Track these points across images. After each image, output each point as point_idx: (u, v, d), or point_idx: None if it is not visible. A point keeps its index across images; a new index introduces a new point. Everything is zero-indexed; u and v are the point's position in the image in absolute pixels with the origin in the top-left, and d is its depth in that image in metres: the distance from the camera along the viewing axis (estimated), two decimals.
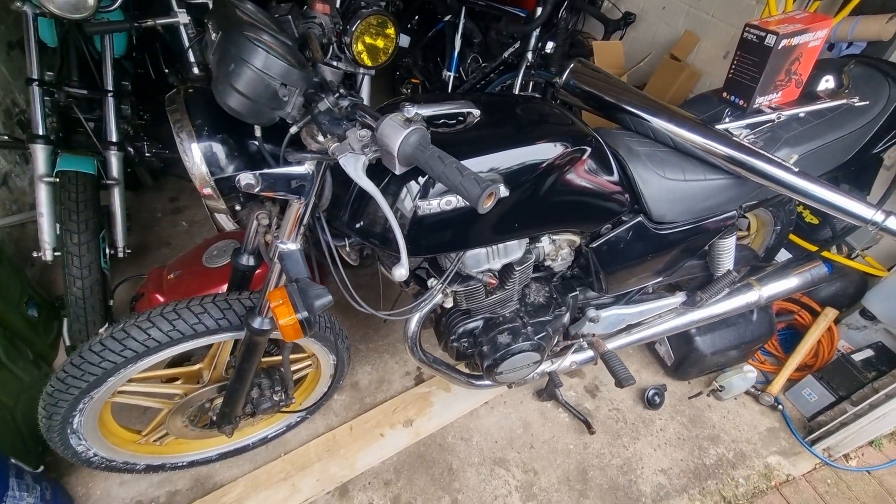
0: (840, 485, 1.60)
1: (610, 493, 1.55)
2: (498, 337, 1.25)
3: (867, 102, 1.21)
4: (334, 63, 1.78)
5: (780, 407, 1.77)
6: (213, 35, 0.70)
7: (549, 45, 2.04)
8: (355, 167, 0.72)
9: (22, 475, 1.24)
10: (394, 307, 1.17)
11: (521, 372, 1.31)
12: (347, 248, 1.10)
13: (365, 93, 2.02)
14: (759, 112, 1.23)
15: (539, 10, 1.95)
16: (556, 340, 1.38)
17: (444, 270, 1.11)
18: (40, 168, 1.59)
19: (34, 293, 1.74)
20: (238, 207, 0.86)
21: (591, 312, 1.41)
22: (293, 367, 1.44)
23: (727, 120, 1.23)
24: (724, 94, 1.29)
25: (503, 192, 0.93)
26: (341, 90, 0.77)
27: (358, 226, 0.98)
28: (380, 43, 1.72)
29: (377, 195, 0.73)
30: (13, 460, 1.25)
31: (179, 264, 1.78)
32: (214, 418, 1.29)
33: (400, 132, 0.67)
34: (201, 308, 1.08)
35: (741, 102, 1.25)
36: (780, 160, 1.09)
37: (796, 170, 1.07)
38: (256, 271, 1.25)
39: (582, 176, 1.06)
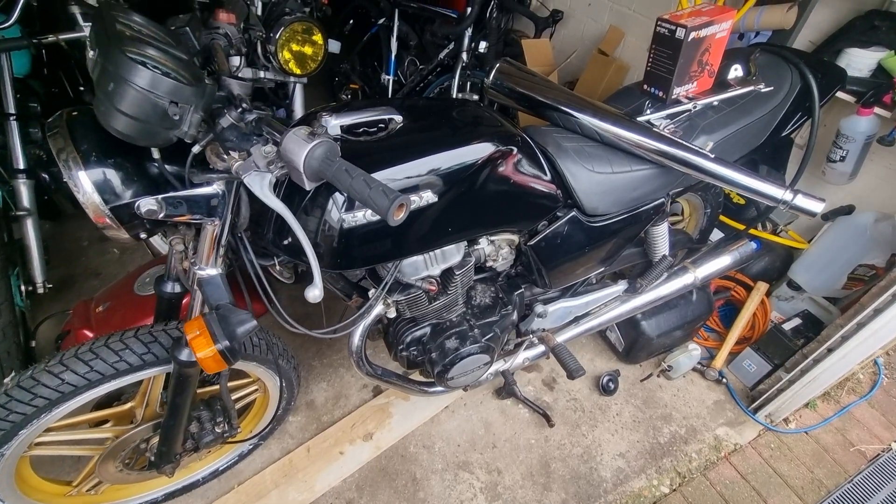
0: (782, 448, 1.70)
1: (572, 483, 1.57)
2: (446, 342, 1.24)
3: (772, 88, 1.28)
4: (262, 74, 1.72)
5: (724, 380, 1.85)
6: (91, 52, 0.65)
7: (483, 45, 2.05)
8: (261, 186, 0.68)
9: None
10: (340, 321, 1.14)
11: (473, 375, 1.30)
12: (278, 267, 1.05)
13: (298, 101, 1.96)
14: (678, 102, 1.28)
15: (468, 10, 1.96)
16: (505, 339, 1.39)
17: (382, 280, 1.08)
18: None
19: None
20: (143, 235, 0.80)
21: (539, 308, 1.43)
22: (238, 394, 1.37)
23: (648, 111, 1.27)
24: (645, 87, 1.34)
25: (431, 197, 0.92)
26: (244, 104, 0.73)
27: (284, 243, 0.94)
28: (308, 50, 1.67)
29: (286, 213, 0.70)
30: None
31: (108, 295, 1.67)
32: (152, 459, 1.21)
33: (304, 146, 0.64)
34: (122, 344, 1.01)
35: (660, 94, 1.30)
36: (697, 148, 1.13)
37: (712, 156, 1.12)
38: (185, 299, 1.18)
39: (512, 175, 1.06)
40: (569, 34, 2.38)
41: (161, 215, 0.75)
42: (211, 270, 0.86)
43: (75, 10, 1.60)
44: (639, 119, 1.22)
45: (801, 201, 1.07)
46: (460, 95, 2.20)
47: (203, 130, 0.73)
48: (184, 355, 0.96)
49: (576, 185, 1.17)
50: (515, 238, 1.23)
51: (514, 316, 1.37)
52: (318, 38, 1.64)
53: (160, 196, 0.74)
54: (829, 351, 1.51)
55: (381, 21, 2.37)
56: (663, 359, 1.85)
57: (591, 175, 1.18)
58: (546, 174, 1.13)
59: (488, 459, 1.62)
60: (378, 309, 1.14)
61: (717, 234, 1.94)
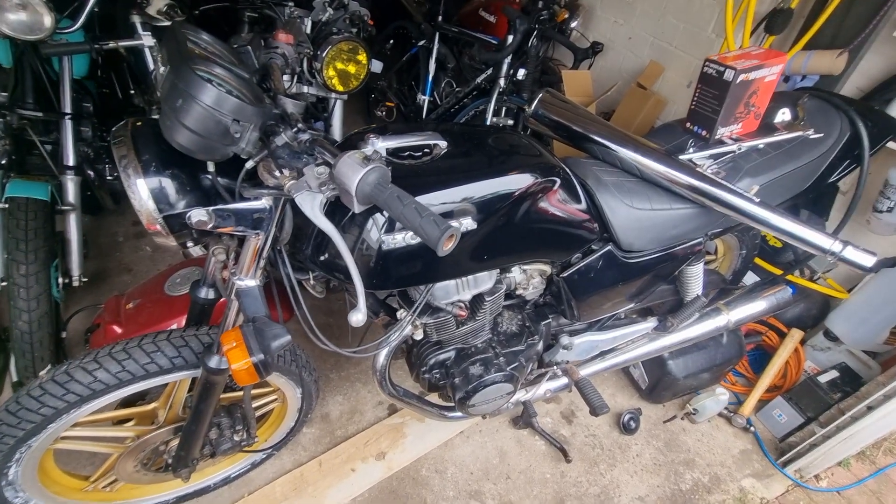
0: None
1: None
2: (470, 368, 1.22)
3: (822, 135, 1.25)
4: (305, 89, 1.76)
5: (752, 429, 1.78)
6: (162, 69, 0.67)
7: (521, 72, 2.07)
8: (312, 206, 0.69)
9: None
10: (363, 338, 1.13)
11: (495, 403, 1.28)
12: (312, 282, 1.06)
13: (337, 117, 2.01)
14: (721, 143, 1.27)
15: (510, 38, 1.99)
16: (529, 369, 1.36)
17: (413, 302, 1.08)
18: None
19: None
20: (191, 244, 0.81)
21: (565, 339, 1.40)
22: (257, 403, 1.37)
23: (691, 150, 1.25)
24: (688, 125, 1.32)
25: (470, 224, 0.92)
26: (300, 124, 0.74)
27: (322, 259, 0.94)
28: (351, 68, 1.72)
29: (335, 236, 0.70)
30: None
31: (139, 293, 1.70)
32: (170, 461, 1.21)
33: (358, 171, 0.65)
34: (154, 346, 1.02)
35: (703, 133, 1.28)
36: (742, 191, 1.11)
37: (757, 200, 1.10)
38: (217, 305, 1.19)
39: (551, 207, 1.05)
40: (607, 66, 2.39)
41: (210, 226, 0.76)
42: (250, 282, 0.87)
43: (136, 19, 1.68)
44: (681, 157, 1.20)
45: (851, 254, 1.03)
46: (495, 120, 2.22)
47: (258, 148, 0.75)
48: (213, 362, 0.97)
49: (613, 219, 1.16)
50: (548, 268, 1.22)
51: (540, 346, 1.35)
52: (362, 57, 1.68)
53: (211, 208, 0.76)
54: (869, 409, 1.44)
55: (421, 43, 2.42)
56: (688, 401, 1.79)
57: (630, 211, 1.17)
58: (584, 207, 1.12)
59: (501, 491, 1.58)
60: (406, 330, 1.13)
61: (749, 277, 1.88)
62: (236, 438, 1.22)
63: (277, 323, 0.82)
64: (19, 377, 1.57)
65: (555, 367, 1.44)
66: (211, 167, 0.76)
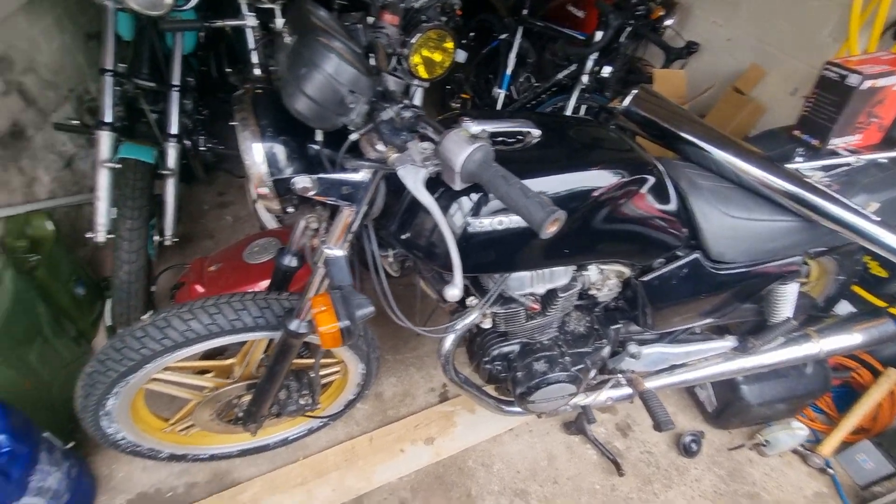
0: None
1: None
2: (534, 364, 1.20)
3: None
4: (398, 74, 1.80)
5: (830, 471, 1.62)
6: (288, 38, 0.71)
7: (607, 70, 2.00)
8: (415, 180, 0.70)
9: (52, 450, 1.27)
10: (427, 322, 1.15)
11: (555, 403, 1.25)
12: (391, 259, 1.08)
13: (416, 104, 2.03)
14: (835, 154, 1.16)
15: (599, 34, 1.93)
16: (593, 373, 1.32)
17: (485, 290, 1.08)
18: (104, 154, 1.66)
19: (83, 272, 1.81)
20: (290, 209, 0.86)
21: (633, 348, 1.34)
22: (322, 373, 1.43)
23: (798, 160, 1.16)
24: (796, 133, 1.23)
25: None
26: (406, 101, 0.76)
27: (404, 237, 0.96)
28: (437, 57, 1.72)
29: (435, 210, 0.71)
30: (45, 434, 1.28)
31: (221, 257, 1.82)
32: (240, 415, 1.29)
33: (465, 148, 0.65)
34: (241, 305, 1.09)
35: (815, 142, 1.18)
36: (859, 208, 1.01)
37: (877, 219, 0.99)
38: (297, 272, 1.25)
39: (639, 206, 1.01)
40: (700, 68, 2.25)
41: (312, 193, 0.80)
42: (338, 252, 0.90)
43: (241, 0, 1.79)
44: (786, 166, 1.11)
45: None
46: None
47: (364, 121, 0.77)
48: (293, 326, 1.02)
49: (705, 226, 1.09)
50: (626, 271, 1.17)
51: (607, 351, 1.30)
52: (449, 45, 1.68)
53: (315, 176, 0.79)
54: None
55: (503, 36, 2.40)
56: (759, 431, 1.67)
57: (725, 218, 1.09)
58: (674, 210, 1.06)
59: (547, 494, 1.55)
60: (475, 317, 1.13)
61: (841, 306, 1.71)
62: (301, 402, 1.27)
63: (361, 294, 0.85)
64: (113, 322, 1.74)
65: (619, 375, 1.39)
66: (319, 136, 0.79)
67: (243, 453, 1.50)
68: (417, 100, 2.02)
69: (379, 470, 1.54)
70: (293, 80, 0.68)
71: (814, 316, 1.56)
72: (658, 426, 1.28)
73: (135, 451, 1.29)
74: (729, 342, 1.40)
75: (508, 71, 2.46)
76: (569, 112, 2.08)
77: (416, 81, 1.91)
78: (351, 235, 0.90)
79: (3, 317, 1.32)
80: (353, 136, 0.78)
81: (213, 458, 1.47)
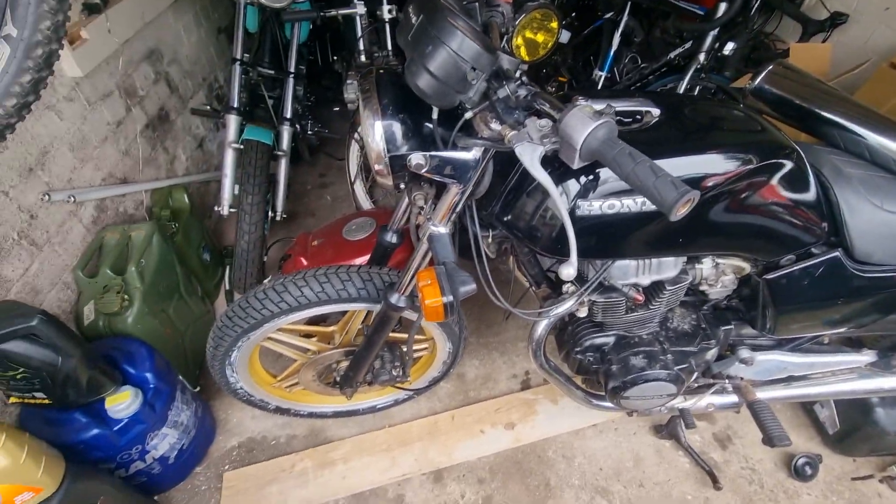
0: None
1: None
2: (631, 358, 1.14)
3: None
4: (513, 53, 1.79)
5: None
6: (414, 18, 0.73)
7: (729, 47, 1.80)
8: (532, 157, 0.70)
9: (185, 391, 1.47)
10: (516, 307, 1.14)
11: (651, 402, 1.19)
12: (490, 240, 1.09)
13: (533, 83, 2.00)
14: None
15: (722, 7, 1.74)
16: (695, 376, 1.23)
17: (585, 277, 1.04)
18: (231, 135, 1.85)
19: (209, 241, 2.06)
20: (402, 185, 0.89)
21: (745, 353, 1.22)
22: (413, 348, 1.49)
23: None
24: None
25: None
26: (523, 79, 0.75)
27: (507, 218, 0.96)
28: (539, 38, 1.68)
29: (551, 187, 0.70)
30: (179, 377, 1.49)
31: (322, 233, 1.96)
32: (338, 379, 1.39)
33: (588, 124, 0.62)
34: (347, 276, 1.17)
35: None
36: None
37: None
38: (396, 249, 1.31)
39: (772, 194, 0.91)
40: (846, 42, 1.94)
41: (424, 170, 0.83)
42: (443, 229, 0.92)
43: None
44: None
45: None
46: None
47: (480, 99, 0.78)
48: (394, 299, 1.07)
49: (851, 220, 0.95)
50: (746, 266, 1.06)
51: (713, 353, 1.20)
52: (554, 25, 1.63)
53: (428, 153, 0.82)
54: None
55: (608, 15, 2.27)
56: (894, 462, 1.44)
57: (877, 212, 0.95)
58: (813, 200, 0.94)
59: (632, 496, 1.48)
60: (571, 305, 1.10)
61: None
62: (393, 373, 1.34)
63: (464, 272, 0.86)
64: (231, 287, 1.96)
65: (725, 381, 1.27)
66: (434, 114, 0.81)
67: (336, 415, 1.62)
68: None
69: (459, 447, 1.58)
70: (418, 57, 0.70)
71: None
72: (770, 441, 1.16)
73: (249, 400, 1.45)
74: (865, 357, 1.22)
75: (612, 51, 2.32)
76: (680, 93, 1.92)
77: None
78: (455, 214, 0.92)
79: (152, 274, 1.54)
80: (469, 114, 0.79)
81: (311, 415, 1.61)
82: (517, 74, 0.76)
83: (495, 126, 0.78)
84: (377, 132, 0.80)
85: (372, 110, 0.80)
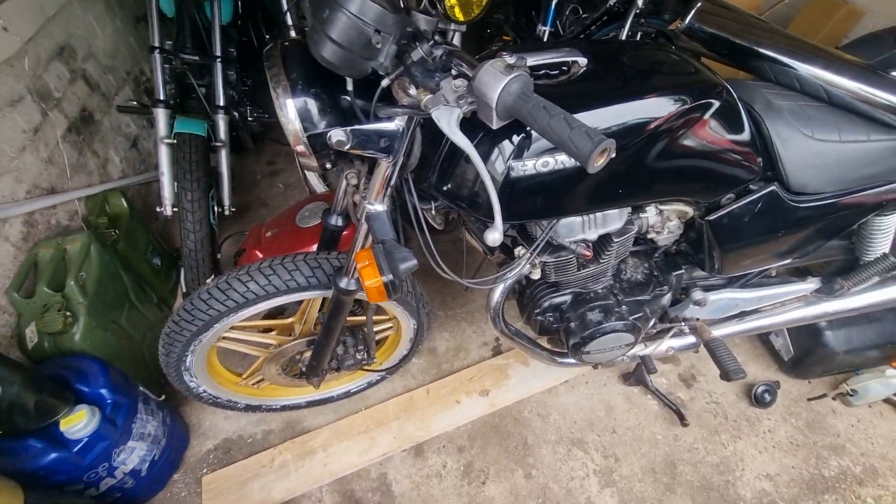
0: None
1: (701, 492, 1.42)
2: (588, 314, 1.15)
3: None
4: (432, 11, 1.72)
5: None
6: None
7: None
8: (449, 121, 0.66)
9: (148, 401, 1.43)
10: (475, 276, 1.13)
11: (611, 353, 1.21)
12: (433, 212, 1.06)
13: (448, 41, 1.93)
14: None
15: None
16: (652, 322, 1.25)
17: (533, 239, 1.03)
18: (161, 130, 1.74)
19: (157, 244, 1.96)
20: (329, 165, 0.85)
21: (698, 294, 1.25)
22: (375, 329, 1.47)
23: None
24: None
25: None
26: (436, 38, 0.71)
27: (446, 188, 0.93)
28: None
29: (471, 151, 0.67)
30: (141, 388, 1.44)
31: (275, 223, 1.90)
32: (303, 370, 1.37)
33: (500, 79, 0.59)
34: (294, 265, 1.13)
35: None
36: None
37: None
38: (344, 232, 1.27)
39: (705, 135, 0.90)
40: None
41: (347, 147, 0.78)
42: (379, 206, 0.89)
43: None
44: (893, 74, 0.94)
45: None
46: None
47: (394, 64, 0.73)
48: (343, 283, 1.04)
49: (784, 153, 0.96)
50: (689, 210, 1.07)
51: (667, 298, 1.22)
52: None
53: (349, 128, 0.77)
54: None
55: None
56: (845, 380, 1.53)
57: (809, 142, 0.96)
58: (747, 137, 0.94)
59: (606, 443, 1.53)
60: (523, 267, 1.09)
61: None
62: (358, 357, 1.32)
63: (405, 247, 0.84)
64: (188, 289, 1.88)
65: (682, 324, 1.31)
66: (349, 86, 0.77)
67: (311, 404, 1.61)
68: (456, 44, 1.92)
69: (436, 420, 1.60)
70: (317, 25, 0.65)
71: None
72: (726, 375, 1.21)
73: (215, 402, 1.41)
74: (811, 284, 1.26)
75: (553, 4, 2.25)
76: None
77: (452, 25, 1.82)
78: (391, 189, 0.89)
79: (94, 286, 1.46)
80: (385, 82, 0.74)
81: (284, 408, 1.59)
82: (432, 34, 0.72)
83: (414, 92, 0.74)
84: (290, 111, 0.75)
85: (281, 88, 0.75)
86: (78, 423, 1.20)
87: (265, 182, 2.48)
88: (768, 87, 1.01)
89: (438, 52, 0.71)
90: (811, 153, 0.96)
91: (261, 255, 1.80)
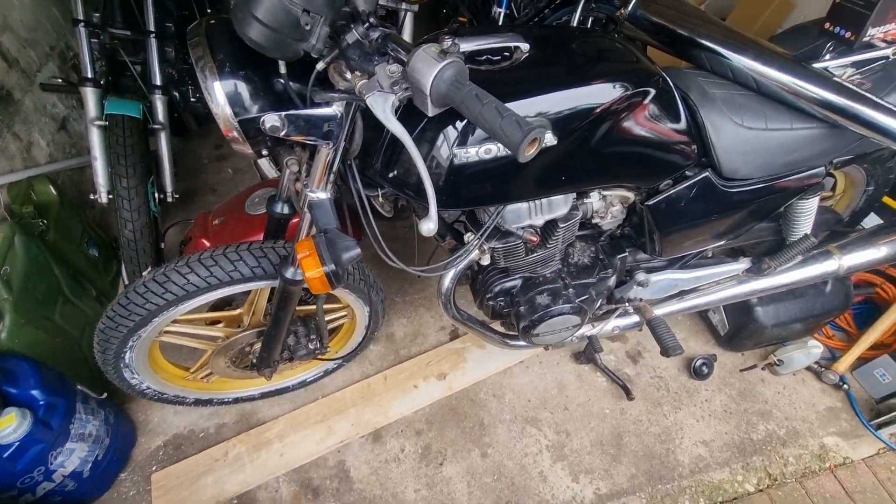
0: None
1: (645, 460, 1.51)
2: (536, 297, 1.18)
3: None
4: None
5: (845, 386, 1.62)
6: None
7: None
8: (384, 108, 0.65)
9: (87, 400, 1.35)
10: (429, 262, 1.13)
11: (560, 335, 1.25)
12: (381, 199, 1.05)
13: (407, 32, 1.89)
14: (870, 47, 1.03)
15: None
16: (598, 303, 1.30)
17: (481, 224, 1.04)
18: (91, 111, 1.62)
19: (94, 234, 1.84)
20: (265, 152, 0.81)
21: (641, 276, 1.31)
22: (329, 317, 1.45)
23: (828, 57, 1.03)
24: (827, 26, 1.08)
25: (550, 139, 0.83)
26: (371, 20, 0.68)
27: (391, 175, 0.92)
28: None
29: (406, 139, 0.66)
30: (79, 386, 1.36)
31: (223, 210, 1.82)
32: (254, 361, 1.34)
33: (433, 66, 0.58)
34: (237, 255, 1.09)
35: (848, 35, 1.05)
36: (894, 107, 0.90)
37: None
38: (292, 220, 1.23)
39: (643, 123, 0.93)
40: None
41: (282, 133, 0.75)
42: (321, 194, 0.87)
43: None
44: (814, 65, 0.99)
45: None
46: None
47: (329, 47, 0.70)
48: (289, 273, 1.02)
49: (717, 140, 1.00)
50: (631, 196, 1.11)
51: (612, 280, 1.27)
52: None
53: (283, 113, 0.74)
54: None
55: None
56: (773, 351, 1.65)
57: (739, 130, 1.00)
58: (683, 125, 0.97)
59: (558, 420, 1.60)
60: (472, 254, 1.10)
61: (871, 219, 1.62)
62: (311, 346, 1.30)
63: (348, 236, 0.82)
64: (130, 281, 1.78)
65: (626, 304, 1.36)
66: (282, 68, 0.73)
67: (265, 395, 1.58)
68: (408, 26, 1.89)
69: (394, 405, 1.61)
70: (241, 3, 0.61)
71: (838, 232, 1.49)
72: (665, 352, 1.28)
73: (161, 398, 1.36)
74: (742, 264, 1.34)
75: None
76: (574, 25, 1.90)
77: (402, 5, 1.78)
78: (333, 176, 0.86)
79: (21, 280, 1.36)
80: (320, 66, 0.72)
81: (237, 401, 1.55)
82: (374, 16, 0.69)
83: (350, 76, 0.71)
84: (218, 95, 0.71)
85: (208, 70, 0.71)
86: (7, 426, 1.13)
87: (212, 167, 2.36)
88: (704, 75, 1.05)
89: (375, 35, 0.69)
90: (741, 140, 1.00)
91: (208, 244, 1.72)
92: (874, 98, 0.91)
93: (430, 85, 0.59)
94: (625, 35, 1.20)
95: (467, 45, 0.83)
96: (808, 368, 1.66)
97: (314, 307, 1.31)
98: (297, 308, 1.31)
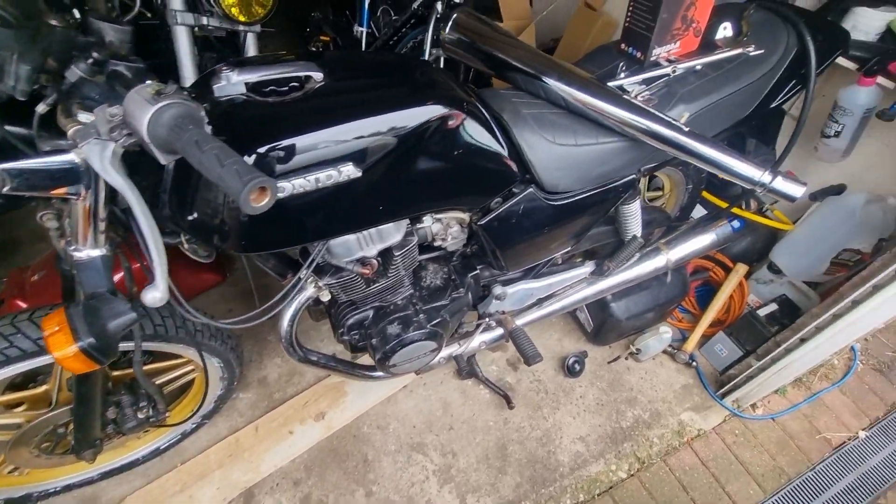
0: (746, 434, 1.66)
1: (528, 467, 1.53)
2: (387, 328, 1.14)
3: (763, 51, 1.13)
4: (205, 21, 1.53)
5: (694, 364, 1.79)
6: None
7: None
8: (101, 158, 0.55)
9: None
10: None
11: (419, 361, 1.22)
12: (186, 245, 0.93)
13: (251, 54, 1.77)
14: (657, 65, 1.13)
15: None
16: (457, 324, 1.30)
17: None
18: None
19: None
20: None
21: (497, 289, 1.33)
22: (171, 375, 1.29)
23: (622, 75, 1.12)
24: (623, 46, 1.18)
25: (352, 172, 0.79)
26: (96, 54, 0.59)
27: (189, 219, 0.81)
28: None
29: (128, 194, 0.57)
30: None
31: (44, 264, 1.57)
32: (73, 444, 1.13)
33: (147, 109, 0.51)
34: (13, 328, 0.90)
35: (638, 55, 1.15)
36: (670, 119, 1.00)
37: (686, 129, 0.99)
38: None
39: (455, 147, 0.93)
40: None
41: (6, 189, 0.62)
42: (91, 251, 0.74)
43: None
44: (610, 84, 1.07)
45: (781, 184, 0.95)
46: (434, 52, 2.00)
47: (51, 86, 0.60)
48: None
49: (533, 158, 1.04)
50: (465, 216, 1.11)
51: (467, 299, 1.27)
52: None
53: (3, 165, 0.61)
54: (802, 341, 1.44)
55: None
56: (633, 341, 1.78)
57: (552, 147, 1.05)
58: (500, 145, 0.99)
59: (444, 441, 1.57)
60: (308, 292, 1.03)
61: (699, 211, 1.82)
62: (141, 416, 1.13)
63: (120, 298, 0.71)
64: None
65: (488, 319, 1.38)
66: None
67: (106, 475, 1.36)
68: (251, 47, 1.76)
69: (267, 458, 1.47)
70: None
71: (672, 227, 1.64)
72: (527, 361, 1.30)
73: None
74: (587, 268, 1.42)
75: (366, 4, 2.21)
76: (427, 45, 1.92)
77: (240, 27, 1.66)
78: (102, 226, 0.74)
79: None
80: (40, 108, 0.60)
81: (69, 488, 1.32)
82: (92, 49, 0.60)
83: (84, 118, 0.61)
84: None
85: None
86: None
87: (22, 216, 2.02)
88: (519, 95, 1.09)
89: (108, 70, 0.60)
90: (555, 157, 1.05)
91: (24, 305, 1.47)
92: (655, 113, 1.00)
93: (145, 131, 0.51)
94: (450, 58, 1.21)
95: (248, 76, 0.77)
96: (665, 352, 1.81)
97: (148, 368, 1.14)
98: (118, 373, 1.14)
